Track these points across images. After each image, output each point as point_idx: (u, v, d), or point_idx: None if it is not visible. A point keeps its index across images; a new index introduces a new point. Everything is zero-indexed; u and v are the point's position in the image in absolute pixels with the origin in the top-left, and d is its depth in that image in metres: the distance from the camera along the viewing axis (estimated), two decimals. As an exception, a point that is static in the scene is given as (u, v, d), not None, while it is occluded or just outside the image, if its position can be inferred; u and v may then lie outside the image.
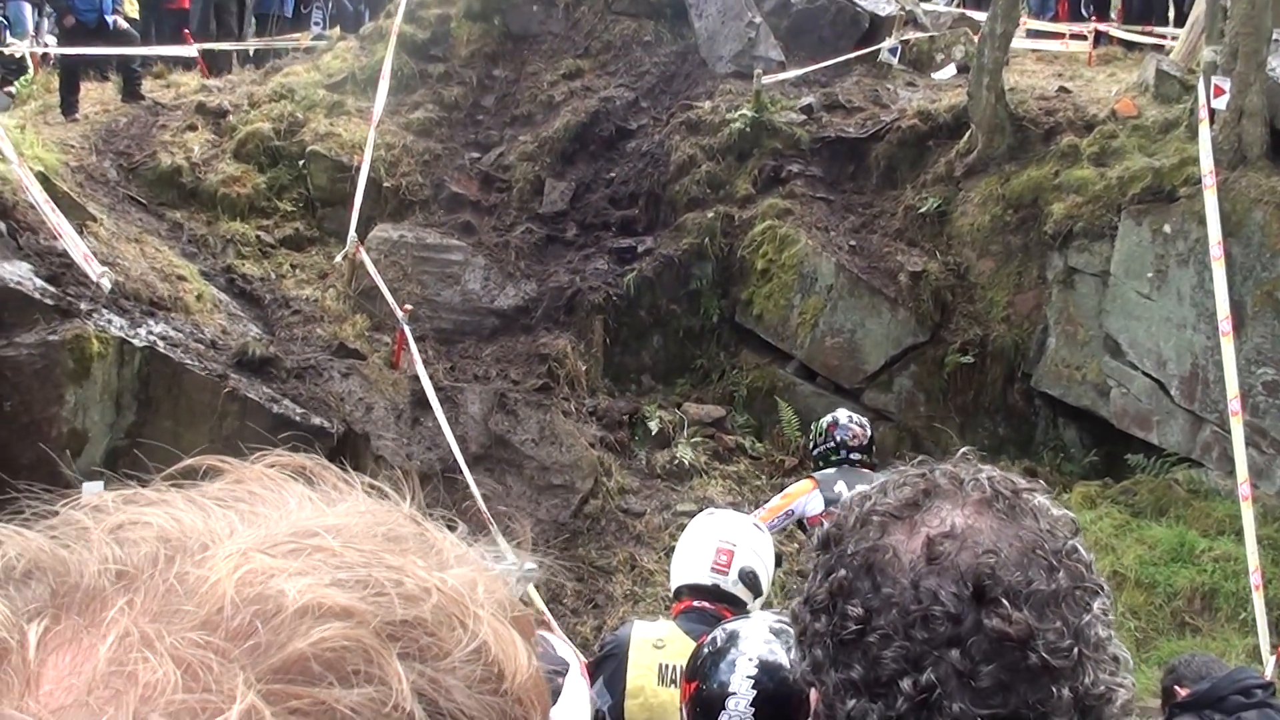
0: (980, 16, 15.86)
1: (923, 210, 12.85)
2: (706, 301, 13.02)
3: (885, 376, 12.16)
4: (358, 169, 13.54)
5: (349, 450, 10.41)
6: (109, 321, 10.00)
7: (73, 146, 14.00)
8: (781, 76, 14.69)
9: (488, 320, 12.80)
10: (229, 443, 9.86)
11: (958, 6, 20.08)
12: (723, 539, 4.91)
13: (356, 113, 15.11)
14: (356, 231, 12.68)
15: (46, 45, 18.47)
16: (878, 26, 16.01)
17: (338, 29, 19.30)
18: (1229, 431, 9.51)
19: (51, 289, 9.99)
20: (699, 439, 11.81)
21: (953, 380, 11.97)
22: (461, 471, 10.03)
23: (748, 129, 13.77)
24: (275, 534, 0.75)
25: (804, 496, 7.23)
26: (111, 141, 14.60)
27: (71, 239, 10.35)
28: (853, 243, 12.79)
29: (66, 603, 0.69)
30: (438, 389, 10.86)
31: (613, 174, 14.31)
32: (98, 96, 16.40)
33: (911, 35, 15.98)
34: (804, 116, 14.13)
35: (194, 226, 13.46)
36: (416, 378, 10.92)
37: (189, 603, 0.68)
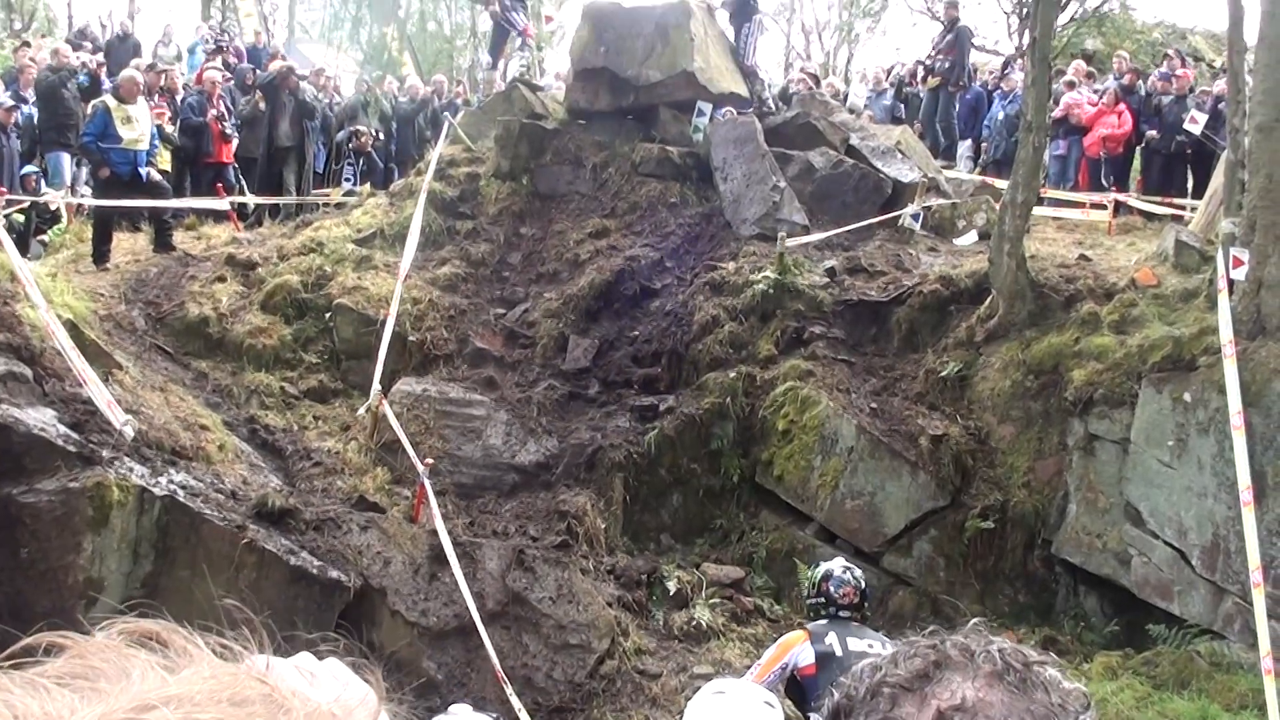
0: (1002, 184, 16.14)
1: (944, 374, 12.94)
2: (727, 461, 13.02)
3: (905, 540, 12.10)
4: (383, 323, 13.71)
5: (365, 604, 10.40)
6: (130, 470, 10.07)
7: (102, 295, 14.22)
8: (805, 240, 14.94)
9: (508, 476, 12.81)
10: (246, 594, 9.88)
11: (979, 174, 20.44)
12: None
13: (384, 267, 15.33)
14: (380, 384, 12.77)
15: (82, 196, 18.85)
16: (900, 192, 16.36)
17: (368, 185, 19.69)
18: (1251, 603, 9.44)
19: (74, 436, 10.07)
20: (717, 600, 11.69)
21: (973, 545, 11.89)
22: (478, 628, 9.98)
23: (771, 290, 13.96)
24: (114, 710, 0.75)
25: (796, 648, 6.98)
26: (141, 291, 14.83)
27: (96, 386, 10.46)
28: (874, 405, 12.84)
29: None
30: (456, 544, 10.85)
31: (636, 332, 14.45)
32: (129, 247, 16.72)
33: (934, 201, 16.30)
34: (827, 279, 14.33)
35: (219, 376, 13.59)
36: (435, 532, 10.90)
37: None
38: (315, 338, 14.50)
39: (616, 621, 11.01)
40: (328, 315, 14.62)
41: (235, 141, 19.77)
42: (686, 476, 13.03)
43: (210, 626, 0.94)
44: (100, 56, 21.64)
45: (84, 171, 19.39)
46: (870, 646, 6.66)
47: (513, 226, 16.53)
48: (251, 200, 19.38)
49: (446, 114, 20.78)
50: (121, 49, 24.16)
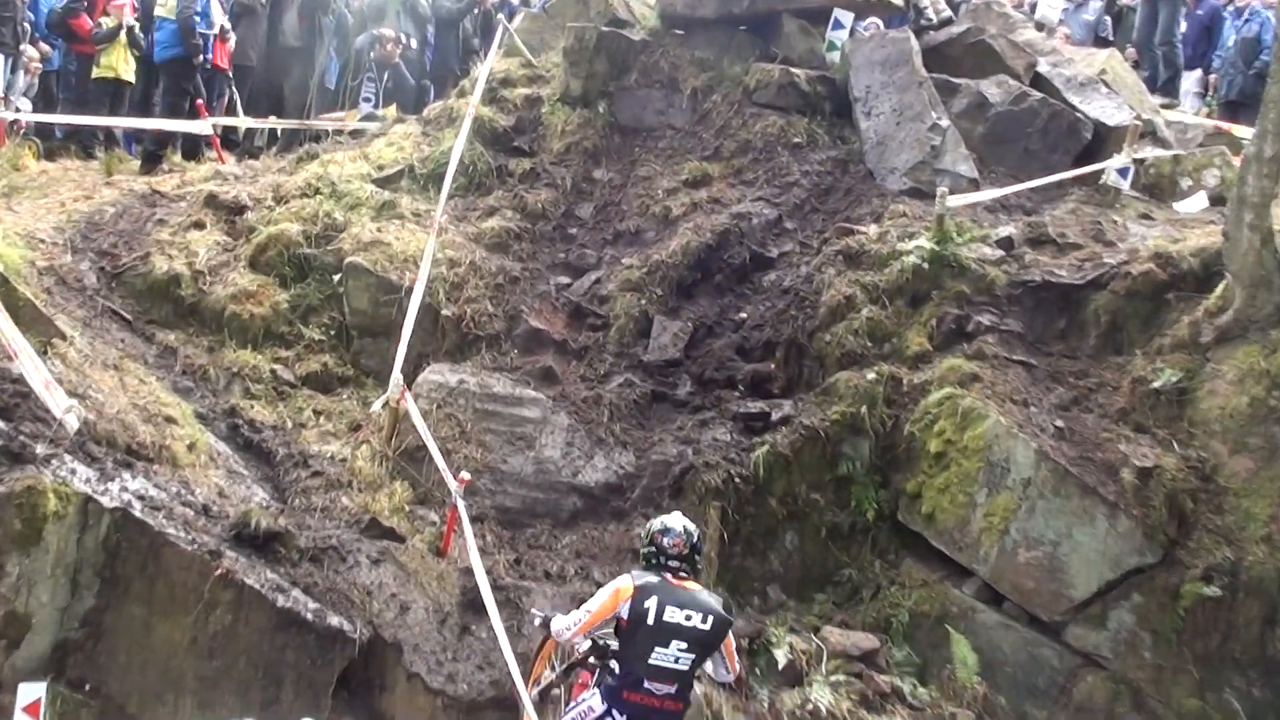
0: (1244, 133, 15.82)
1: (1156, 385, 12.65)
2: (860, 491, 12.92)
3: (1098, 608, 11.82)
4: (410, 290, 13.77)
5: (374, 662, 10.39)
6: (72, 472, 10.11)
7: (43, 241, 14.32)
8: (973, 198, 14.78)
9: (568, 499, 12.79)
10: (218, 642, 9.89)
11: (1210, 117, 20.13)
12: None
13: (412, 216, 15.37)
14: (403, 372, 12.81)
15: (18, 110, 19.02)
16: (1104, 139, 16.13)
17: (394, 108, 19.70)
18: None
19: (1, 425, 10.10)
20: (842, 677, 11.52)
21: (1191, 618, 11.53)
22: (522, 701, 9.93)
23: (925, 265, 13.81)
24: None
25: (624, 603, 9.04)
26: (93, 238, 14.91)
27: (31, 361, 10.51)
28: (1060, 424, 12.62)
29: None
30: (496, 588, 10.84)
31: (743, 314, 14.44)
32: (78, 179, 16.79)
33: (1149, 153, 16.00)
34: (1001, 252, 14.14)
35: (191, 353, 13.67)
36: (469, 571, 10.93)
37: None
38: (319, 307, 14.58)
39: (706, 701, 10.93)
40: (336, 278, 14.69)
41: (232, 42, 19.88)
42: (805, 510, 12.91)
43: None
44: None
45: (21, 78, 19.61)
46: (689, 618, 8.96)
47: (584, 168, 16.52)
48: (243, 123, 19.45)
49: (501, 16, 20.72)
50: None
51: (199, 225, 15.20)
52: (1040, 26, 20.87)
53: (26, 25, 19.42)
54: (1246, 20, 20.61)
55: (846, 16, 17.35)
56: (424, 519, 12.13)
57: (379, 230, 15.06)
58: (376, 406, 13.07)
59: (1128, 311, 13.36)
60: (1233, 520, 11.81)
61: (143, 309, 14.10)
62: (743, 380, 13.84)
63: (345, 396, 13.79)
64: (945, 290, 13.76)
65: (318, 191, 15.75)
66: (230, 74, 20.15)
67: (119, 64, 18.93)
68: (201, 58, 18.60)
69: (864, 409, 12.97)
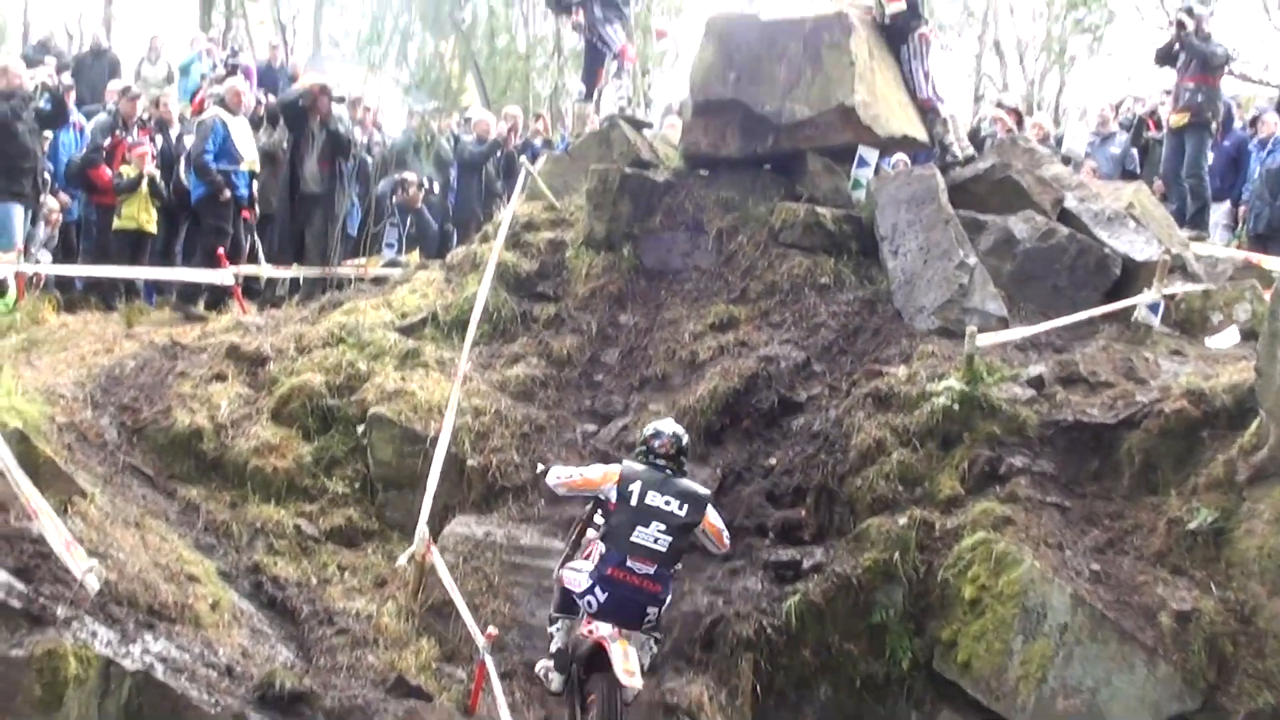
0: (1274, 264, 15.82)
1: (1193, 526, 12.49)
2: (894, 640, 12.72)
3: (1140, 757, 11.75)
4: (435, 441, 13.78)
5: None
6: (93, 634, 10.07)
7: (63, 396, 14.38)
8: (1002, 337, 14.72)
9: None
10: (242, 808, 9.84)
11: (1240, 248, 20.13)
12: None
13: (437, 365, 15.42)
14: (428, 525, 12.79)
15: (38, 261, 19.15)
16: (1133, 274, 16.10)
17: (416, 253, 19.81)
18: None
19: (19, 586, 10.10)
20: (881, 836, 11.47)
21: (1234, 767, 11.50)
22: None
23: (955, 406, 13.73)
24: None
25: (609, 484, 10.85)
26: (114, 392, 14.99)
27: (50, 520, 10.49)
28: (1096, 567, 12.49)
29: None
30: (527, 747, 10.78)
31: (773, 460, 14.34)
32: (98, 332, 16.88)
33: (1179, 287, 15.98)
34: (1032, 392, 14.05)
35: (214, 509, 13.67)
36: (499, 730, 10.80)
37: None
38: (343, 459, 14.61)
39: None
40: (360, 429, 14.72)
41: (254, 189, 20.06)
42: (839, 660, 12.72)
43: None
44: (68, 76, 22.10)
45: (41, 230, 19.77)
46: (668, 504, 10.58)
47: (609, 313, 16.56)
48: (265, 272, 19.56)
49: (523, 159, 20.86)
50: (95, 67, 24.76)
51: (220, 377, 15.28)
52: (1067, 160, 20.95)
53: (46, 176, 19.59)
54: (1270, 151, 20.68)
55: (871, 154, 17.40)
56: (451, 676, 12.04)
57: (403, 379, 15.13)
58: (402, 561, 13.02)
59: (1161, 450, 13.21)
60: (1274, 664, 11.62)
61: (164, 464, 14.13)
62: (773, 527, 13.72)
63: (370, 551, 13.76)
64: (976, 432, 13.65)
65: (341, 341, 15.82)
66: (252, 221, 20.31)
67: (140, 214, 19.13)
68: (228, 193, 18.79)
69: (896, 555, 12.80)
